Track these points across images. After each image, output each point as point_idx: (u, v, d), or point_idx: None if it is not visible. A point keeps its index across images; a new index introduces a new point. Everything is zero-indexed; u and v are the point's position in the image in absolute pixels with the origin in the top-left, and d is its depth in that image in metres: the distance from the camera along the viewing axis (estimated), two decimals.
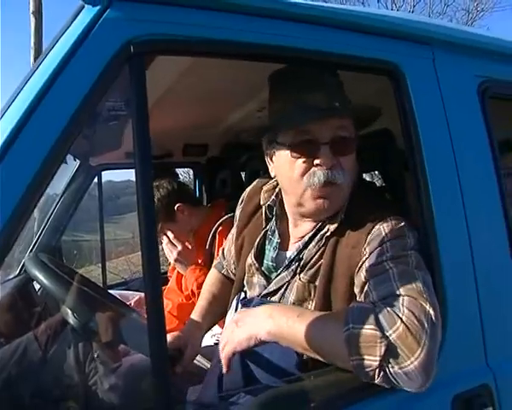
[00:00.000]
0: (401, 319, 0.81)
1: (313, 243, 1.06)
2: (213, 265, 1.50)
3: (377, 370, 0.80)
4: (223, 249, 1.46)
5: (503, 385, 0.99)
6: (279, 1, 0.91)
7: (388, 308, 0.83)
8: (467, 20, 14.31)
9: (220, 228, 1.85)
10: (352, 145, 1.04)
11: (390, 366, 0.80)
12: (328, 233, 1.03)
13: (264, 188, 1.23)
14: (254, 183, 1.33)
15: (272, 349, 0.99)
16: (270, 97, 1.11)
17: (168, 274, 2.24)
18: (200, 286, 1.79)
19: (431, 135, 1.01)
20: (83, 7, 0.79)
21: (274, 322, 0.91)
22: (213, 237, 1.87)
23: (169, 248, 1.83)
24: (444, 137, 1.04)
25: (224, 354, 0.96)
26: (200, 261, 1.89)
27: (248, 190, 1.32)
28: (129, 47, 0.75)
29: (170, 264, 2.35)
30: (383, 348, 0.80)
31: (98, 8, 0.77)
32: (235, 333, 0.95)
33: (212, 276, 1.45)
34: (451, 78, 1.09)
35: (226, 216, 1.90)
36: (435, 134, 1.03)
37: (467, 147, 1.08)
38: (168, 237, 1.82)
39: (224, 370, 0.96)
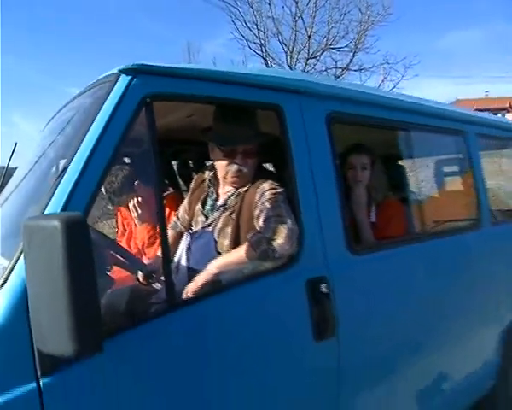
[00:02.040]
0: (273, 224, 1.71)
1: (233, 197, 1.95)
2: (169, 227, 2.26)
3: (269, 250, 1.67)
4: (177, 215, 2.27)
5: (332, 274, 1.85)
6: (221, 72, 1.72)
7: (267, 224, 1.73)
8: (359, 30, 15.87)
9: (164, 201, 2.62)
10: (255, 153, 1.96)
11: (272, 245, 1.67)
12: (242, 191, 1.92)
13: (207, 170, 2.13)
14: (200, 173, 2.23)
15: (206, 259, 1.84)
16: (213, 118, 1.96)
17: (118, 239, 2.94)
18: (148, 245, 2.56)
19: (297, 145, 1.85)
20: (119, 76, 1.52)
21: (218, 263, 1.77)
22: None
23: (135, 207, 2.57)
24: (304, 146, 1.88)
25: (195, 284, 1.75)
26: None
27: (197, 175, 2.24)
28: (145, 98, 1.50)
29: (117, 233, 3.07)
30: (266, 239, 1.68)
31: (129, 77, 1.51)
32: (205, 274, 1.76)
33: (169, 234, 2.21)
34: (309, 112, 1.93)
35: (167, 192, 2.70)
36: (300, 145, 1.86)
37: (318, 152, 1.93)
38: (137, 200, 2.56)
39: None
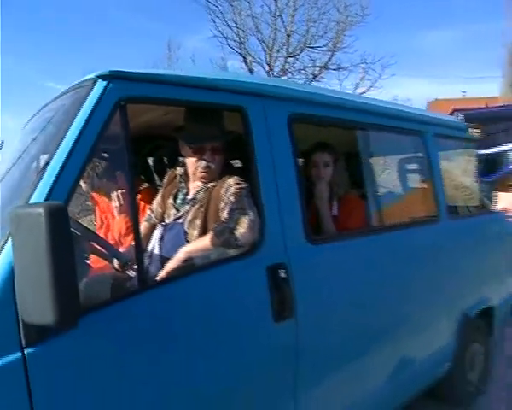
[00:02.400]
0: (236, 215, 1.89)
1: (202, 191, 2.12)
2: (144, 219, 2.43)
3: (231, 239, 1.86)
4: (151, 208, 2.43)
5: (291, 261, 2.03)
6: (190, 77, 1.89)
7: (231, 215, 1.92)
8: (338, 29, 16.14)
9: (139, 195, 2.78)
10: (221, 150, 2.14)
11: (234, 235, 1.85)
12: (210, 186, 2.09)
13: (178, 167, 2.29)
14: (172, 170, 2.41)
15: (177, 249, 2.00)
16: (184, 118, 2.13)
17: (96, 231, 3.09)
18: (125, 235, 2.71)
19: (260, 144, 2.04)
20: (96, 81, 1.69)
21: (187, 249, 1.95)
22: None
23: (118, 197, 2.70)
24: (267, 145, 2.06)
25: (166, 269, 1.94)
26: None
27: (169, 172, 2.41)
28: (120, 101, 1.66)
29: (95, 224, 3.23)
30: (229, 229, 1.86)
31: (105, 82, 1.67)
32: (173, 260, 1.95)
33: (144, 226, 2.39)
34: (272, 113, 2.11)
35: (143, 186, 2.87)
36: (263, 143, 2.05)
37: (279, 150, 2.11)
38: (120, 192, 2.69)
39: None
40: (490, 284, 3.70)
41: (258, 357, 1.95)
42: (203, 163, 2.10)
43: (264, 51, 16.16)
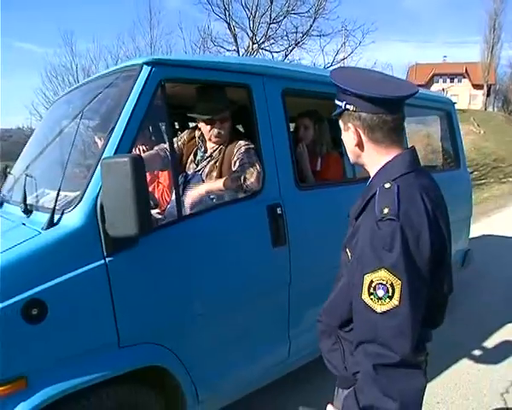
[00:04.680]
0: (247, 167, 2.51)
1: (217, 151, 2.72)
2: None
3: (243, 185, 2.50)
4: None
5: (284, 202, 2.70)
6: (211, 62, 2.50)
7: (243, 167, 2.54)
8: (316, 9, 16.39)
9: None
10: (228, 119, 2.71)
11: (246, 182, 2.49)
12: (223, 146, 2.69)
13: (197, 131, 2.87)
14: (188, 130, 2.97)
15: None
16: (196, 99, 2.70)
17: None
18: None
19: (261, 112, 2.65)
20: (142, 66, 2.27)
21: (206, 186, 2.56)
22: None
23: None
24: (265, 113, 2.68)
25: (189, 199, 2.55)
26: None
27: (189, 131, 2.98)
28: (161, 81, 2.26)
29: None
30: (242, 177, 2.50)
31: (150, 67, 2.26)
32: (194, 193, 2.56)
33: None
34: (270, 88, 2.73)
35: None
36: (262, 112, 2.66)
37: (275, 117, 2.73)
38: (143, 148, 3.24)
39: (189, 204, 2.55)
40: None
41: (262, 272, 2.62)
42: (215, 131, 2.71)
43: (248, 18, 16.46)
